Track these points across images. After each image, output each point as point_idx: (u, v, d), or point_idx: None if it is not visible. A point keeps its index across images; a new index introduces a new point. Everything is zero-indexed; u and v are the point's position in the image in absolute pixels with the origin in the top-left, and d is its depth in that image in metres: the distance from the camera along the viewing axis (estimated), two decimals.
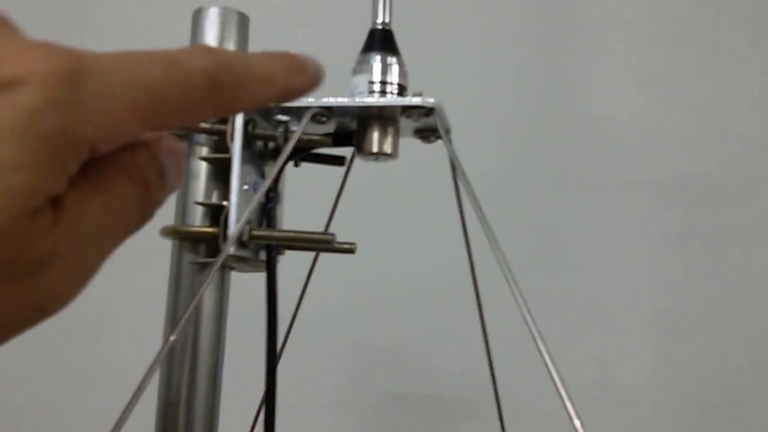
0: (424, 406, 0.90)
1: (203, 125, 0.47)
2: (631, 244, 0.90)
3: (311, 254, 0.55)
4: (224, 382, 0.49)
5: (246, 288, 0.52)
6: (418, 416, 0.91)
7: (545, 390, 0.40)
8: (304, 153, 0.49)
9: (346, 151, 0.51)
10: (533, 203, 0.92)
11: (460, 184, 0.46)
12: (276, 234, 0.47)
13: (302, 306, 0.58)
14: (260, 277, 0.50)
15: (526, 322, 0.40)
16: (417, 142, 0.51)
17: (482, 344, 0.54)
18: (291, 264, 0.55)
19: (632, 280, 0.89)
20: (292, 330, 0.57)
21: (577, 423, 0.37)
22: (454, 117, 0.49)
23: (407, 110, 0.46)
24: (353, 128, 0.49)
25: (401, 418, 0.91)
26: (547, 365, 0.39)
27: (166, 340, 0.48)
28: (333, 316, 0.89)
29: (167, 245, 0.49)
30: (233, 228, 0.46)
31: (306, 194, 0.59)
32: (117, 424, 0.37)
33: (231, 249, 0.46)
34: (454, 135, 0.50)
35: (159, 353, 0.39)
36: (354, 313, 0.90)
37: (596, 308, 0.89)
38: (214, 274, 0.42)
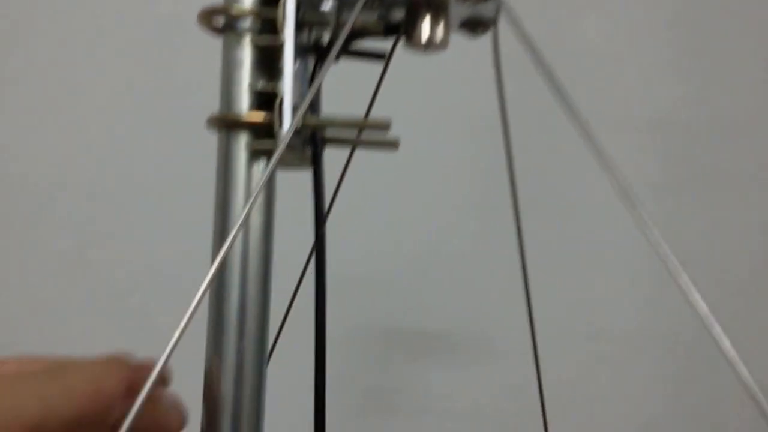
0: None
1: (251, 8, 0.45)
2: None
3: None
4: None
5: None
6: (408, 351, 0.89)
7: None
8: (356, 39, 0.47)
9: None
10: (526, 144, 0.90)
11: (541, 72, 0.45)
12: (330, 119, 0.45)
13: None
14: None
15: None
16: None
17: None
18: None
19: (623, 220, 0.89)
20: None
21: None
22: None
23: None
24: (398, 19, 0.47)
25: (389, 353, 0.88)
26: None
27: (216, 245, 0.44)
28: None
29: None
30: (288, 115, 0.43)
31: None
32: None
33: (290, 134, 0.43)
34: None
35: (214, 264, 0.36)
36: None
37: (585, 250, 0.89)
38: (276, 162, 0.39)
